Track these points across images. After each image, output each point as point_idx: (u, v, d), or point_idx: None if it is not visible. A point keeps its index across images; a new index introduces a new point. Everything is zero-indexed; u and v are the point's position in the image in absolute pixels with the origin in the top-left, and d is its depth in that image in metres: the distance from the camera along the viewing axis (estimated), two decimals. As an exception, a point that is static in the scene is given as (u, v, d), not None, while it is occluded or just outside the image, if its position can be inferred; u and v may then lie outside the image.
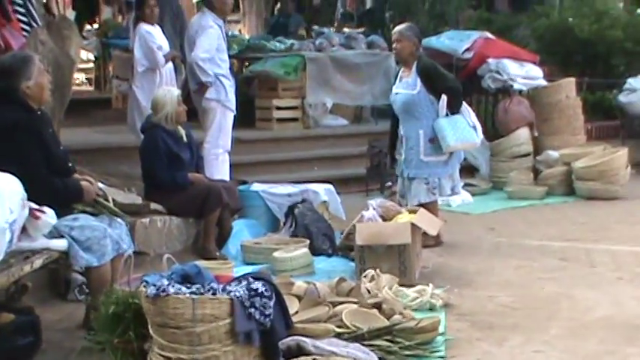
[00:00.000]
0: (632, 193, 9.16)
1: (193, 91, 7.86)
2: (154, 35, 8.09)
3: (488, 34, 10.84)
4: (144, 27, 8.10)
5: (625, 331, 4.84)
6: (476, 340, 4.77)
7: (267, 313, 4.02)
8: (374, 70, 10.72)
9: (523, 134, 9.91)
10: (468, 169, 9.83)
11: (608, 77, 11.71)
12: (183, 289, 3.97)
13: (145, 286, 4.03)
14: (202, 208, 6.65)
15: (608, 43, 11.44)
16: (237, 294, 3.99)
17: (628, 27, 11.56)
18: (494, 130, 10.26)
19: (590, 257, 6.61)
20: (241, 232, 7.00)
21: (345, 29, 13.62)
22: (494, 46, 10.61)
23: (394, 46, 7.15)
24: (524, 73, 10.31)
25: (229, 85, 7.76)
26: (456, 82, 7.15)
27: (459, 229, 7.61)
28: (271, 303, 4.06)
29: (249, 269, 5.88)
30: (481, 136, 7.18)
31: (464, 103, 7.10)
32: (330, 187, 7.70)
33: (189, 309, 3.89)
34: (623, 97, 11.00)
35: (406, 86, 7.01)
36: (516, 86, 10.23)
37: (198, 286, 4.03)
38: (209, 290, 4.00)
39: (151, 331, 4.04)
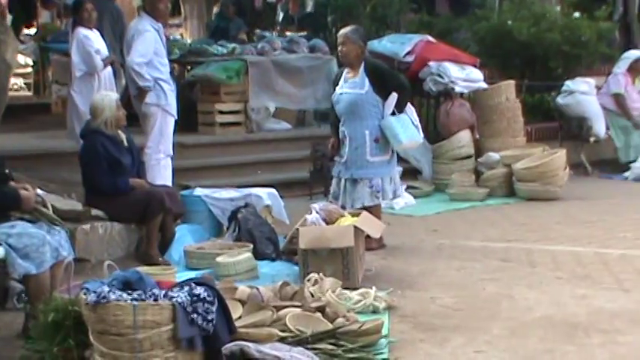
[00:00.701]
0: (571, 193, 9.31)
1: (133, 95, 7.79)
2: (92, 39, 8.00)
3: (430, 38, 10.91)
4: (81, 31, 8.01)
5: (564, 330, 4.92)
6: (419, 341, 4.80)
7: (209, 318, 4.00)
8: (316, 73, 10.74)
9: (464, 137, 10.00)
10: (411, 172, 9.91)
11: (547, 79, 11.89)
12: (124, 295, 3.93)
13: (85, 293, 3.99)
14: (144, 213, 6.60)
15: (546, 45, 11.61)
16: (180, 300, 3.96)
17: (565, 30, 11.73)
18: (436, 132, 10.34)
19: (531, 257, 6.70)
20: (184, 237, 6.96)
21: (287, 33, 13.63)
22: (436, 49, 10.68)
23: (339, 49, 7.16)
24: (464, 75, 10.40)
25: (169, 89, 7.70)
26: (406, 80, 7.26)
27: (402, 232, 7.66)
28: (214, 308, 4.04)
29: (192, 274, 5.85)
30: (422, 134, 7.25)
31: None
32: (274, 191, 7.69)
33: (130, 315, 3.85)
34: (561, 99, 11.18)
35: (353, 86, 7.03)
36: (457, 89, 10.31)
37: (139, 292, 4.00)
38: (150, 296, 3.97)
39: (91, 338, 4.00)
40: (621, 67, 11.30)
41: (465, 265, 6.50)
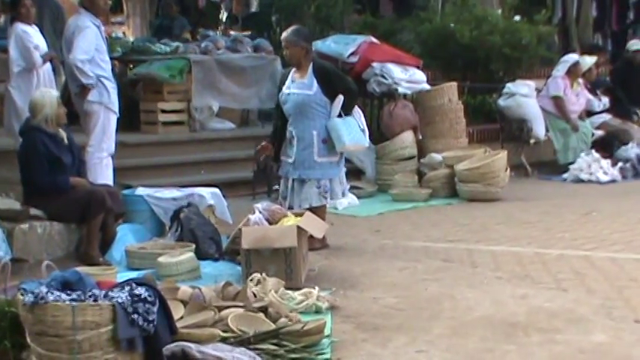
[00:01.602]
0: (512, 194, 9.43)
1: (75, 93, 7.69)
2: (31, 35, 7.87)
3: (373, 39, 10.96)
4: (20, 26, 7.88)
5: (504, 329, 4.97)
6: (361, 341, 4.81)
7: (150, 318, 3.97)
8: (260, 73, 10.71)
9: (407, 137, 10.06)
10: (354, 172, 9.93)
11: (488, 82, 12.03)
12: (63, 296, 3.88)
13: (22, 294, 3.92)
14: (84, 212, 6.53)
15: (488, 48, 11.73)
16: (120, 300, 3.92)
17: (506, 33, 11.88)
18: (379, 133, 10.39)
19: (472, 258, 6.76)
20: (126, 237, 6.89)
21: (231, 32, 13.58)
22: (379, 50, 10.74)
23: (284, 52, 7.17)
24: (408, 77, 10.46)
25: (112, 87, 7.62)
26: (354, 84, 7.27)
27: (345, 232, 7.68)
28: (155, 308, 4.01)
29: (133, 275, 5.79)
30: (368, 139, 7.27)
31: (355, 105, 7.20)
32: (217, 190, 7.65)
33: (69, 316, 3.80)
34: (502, 101, 11.32)
35: (302, 87, 7.01)
36: (401, 90, 10.37)
37: (79, 292, 3.95)
38: (90, 297, 3.92)
39: (28, 340, 3.94)
40: (560, 70, 11.48)
41: (408, 265, 6.53)
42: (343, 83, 7.08)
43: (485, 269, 6.40)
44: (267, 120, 10.62)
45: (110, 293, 3.98)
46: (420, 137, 10.28)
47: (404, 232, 7.83)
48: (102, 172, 7.56)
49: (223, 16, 15.88)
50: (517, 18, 12.61)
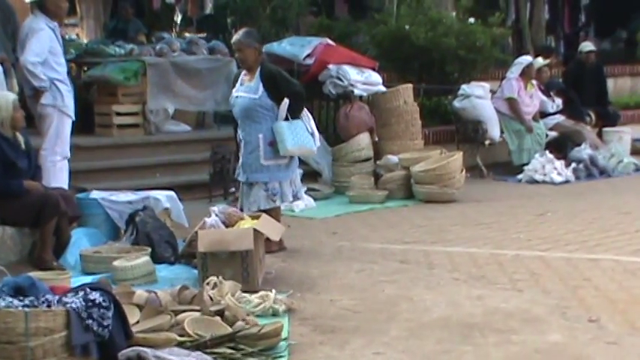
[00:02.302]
0: (467, 195, 9.49)
1: (29, 96, 7.59)
2: (-18, 37, 7.77)
3: (329, 41, 10.99)
4: (-30, 28, 7.77)
5: (461, 330, 5.00)
6: (318, 344, 4.81)
7: (105, 324, 3.93)
8: (216, 75, 10.66)
9: (364, 139, 10.09)
10: (311, 174, 9.94)
11: (444, 83, 12.10)
12: (15, 302, 3.83)
13: (-28, 301, 3.86)
14: (38, 216, 6.44)
15: (443, 50, 11.81)
16: (74, 305, 3.88)
17: (460, 35, 11.96)
18: (335, 135, 10.40)
19: (429, 259, 6.79)
20: (80, 241, 6.82)
21: (186, 34, 13.51)
22: (335, 52, 10.76)
23: (237, 55, 7.14)
24: (364, 79, 10.49)
25: (66, 89, 7.53)
26: (301, 88, 7.22)
27: (302, 234, 7.67)
28: (110, 313, 3.98)
29: (88, 279, 5.73)
30: (318, 143, 7.25)
31: (305, 109, 7.18)
32: (172, 193, 7.61)
33: (21, 322, 3.75)
34: (457, 103, 11.39)
35: (248, 90, 7.00)
36: (357, 92, 10.39)
37: (31, 298, 3.91)
38: (43, 302, 3.88)
39: (-22, 347, 3.87)
40: (514, 72, 11.59)
41: (365, 267, 6.54)
42: (289, 87, 7.05)
43: (441, 270, 6.43)
44: (222, 122, 10.58)
45: (64, 298, 3.94)
46: (376, 139, 10.31)
47: (361, 233, 7.84)
48: (55, 175, 7.47)
49: (178, 18, 15.80)
50: (471, 20, 12.72)
